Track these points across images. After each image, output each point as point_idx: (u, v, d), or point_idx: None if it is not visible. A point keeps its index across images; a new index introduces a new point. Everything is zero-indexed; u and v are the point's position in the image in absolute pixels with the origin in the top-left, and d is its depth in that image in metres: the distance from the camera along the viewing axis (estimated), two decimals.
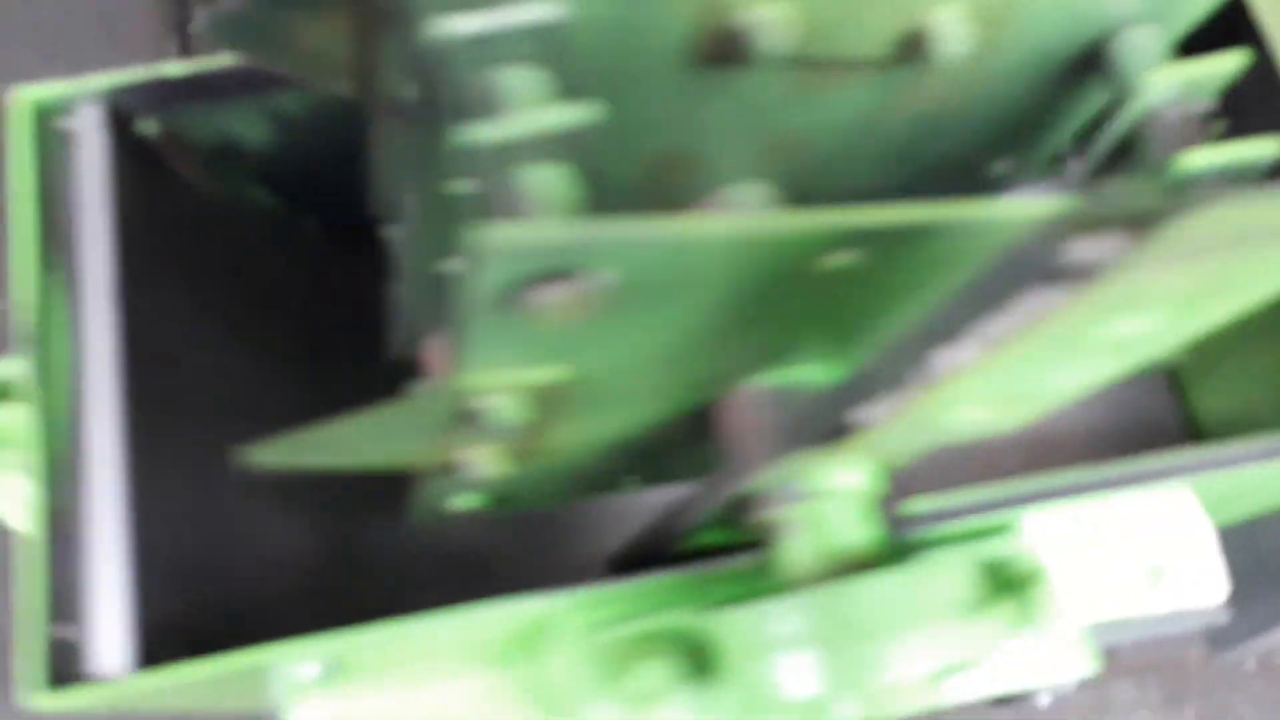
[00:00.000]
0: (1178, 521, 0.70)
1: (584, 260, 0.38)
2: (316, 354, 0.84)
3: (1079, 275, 0.30)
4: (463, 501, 0.69)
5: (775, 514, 0.58)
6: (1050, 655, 0.60)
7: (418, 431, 0.53)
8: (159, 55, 2.16)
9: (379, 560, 0.83)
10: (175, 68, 0.67)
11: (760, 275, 0.43)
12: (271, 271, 0.85)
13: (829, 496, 0.57)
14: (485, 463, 0.59)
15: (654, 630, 0.60)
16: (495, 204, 0.39)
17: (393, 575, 0.84)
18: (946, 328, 0.35)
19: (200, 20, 0.58)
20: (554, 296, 0.39)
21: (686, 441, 0.67)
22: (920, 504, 0.60)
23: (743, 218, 0.39)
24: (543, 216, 0.40)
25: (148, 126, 0.70)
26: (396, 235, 0.75)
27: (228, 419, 0.72)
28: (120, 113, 0.68)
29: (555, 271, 0.39)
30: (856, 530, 0.57)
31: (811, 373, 0.60)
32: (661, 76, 0.48)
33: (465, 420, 0.51)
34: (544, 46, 0.42)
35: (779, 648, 0.55)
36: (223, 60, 0.68)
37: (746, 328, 0.49)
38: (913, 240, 0.42)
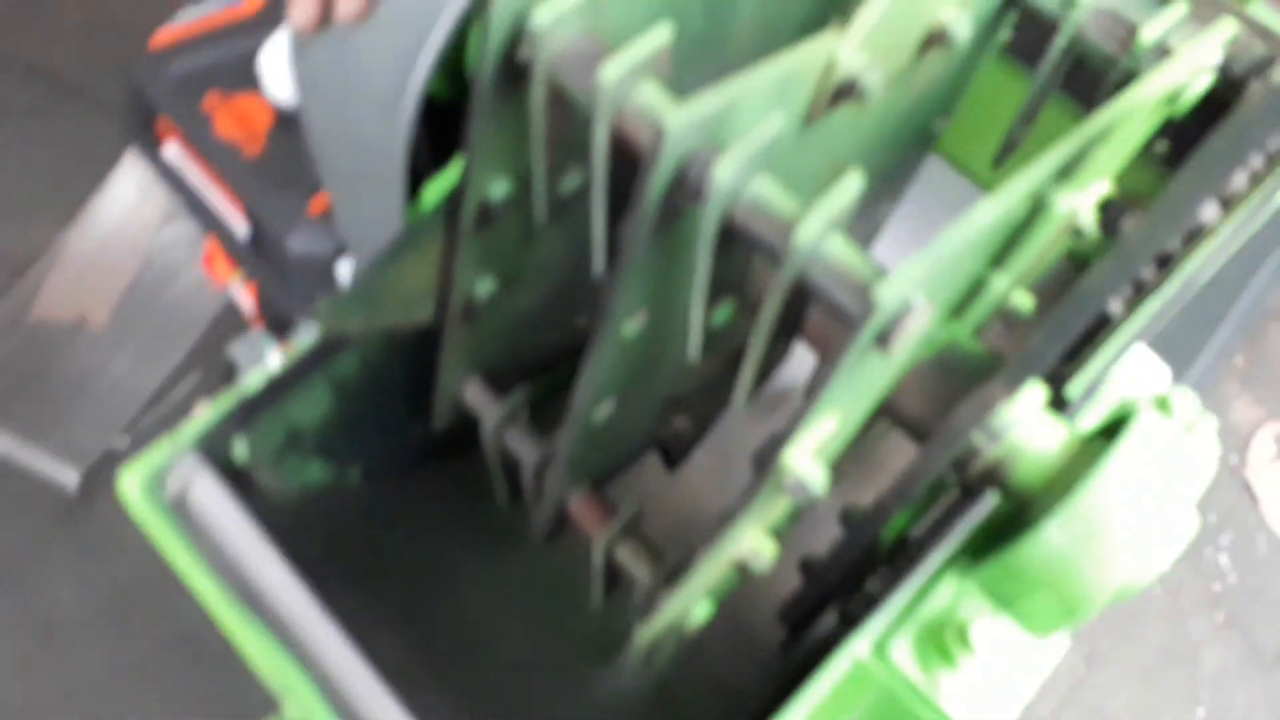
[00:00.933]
0: None
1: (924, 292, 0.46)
2: (427, 587, 0.84)
3: None
4: (701, 614, 0.72)
5: (989, 456, 0.66)
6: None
7: (756, 522, 0.56)
8: None
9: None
10: (255, 380, 0.66)
11: (995, 241, 0.52)
12: (354, 536, 0.84)
13: (1024, 418, 0.65)
14: (767, 549, 0.63)
15: (957, 599, 0.66)
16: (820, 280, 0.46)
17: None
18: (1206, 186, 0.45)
19: (318, 312, 0.59)
20: (917, 323, 0.45)
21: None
22: (1073, 388, 0.70)
23: (1005, 195, 0.47)
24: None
25: (239, 451, 0.68)
26: (489, 421, 0.77)
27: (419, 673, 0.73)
28: (215, 450, 0.66)
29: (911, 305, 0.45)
30: (1056, 432, 0.66)
31: (942, 333, 0.69)
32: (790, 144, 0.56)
33: (782, 495, 0.55)
34: (769, 157, 0.48)
35: (1070, 551, 0.63)
36: (295, 349, 0.68)
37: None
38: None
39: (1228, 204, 0.46)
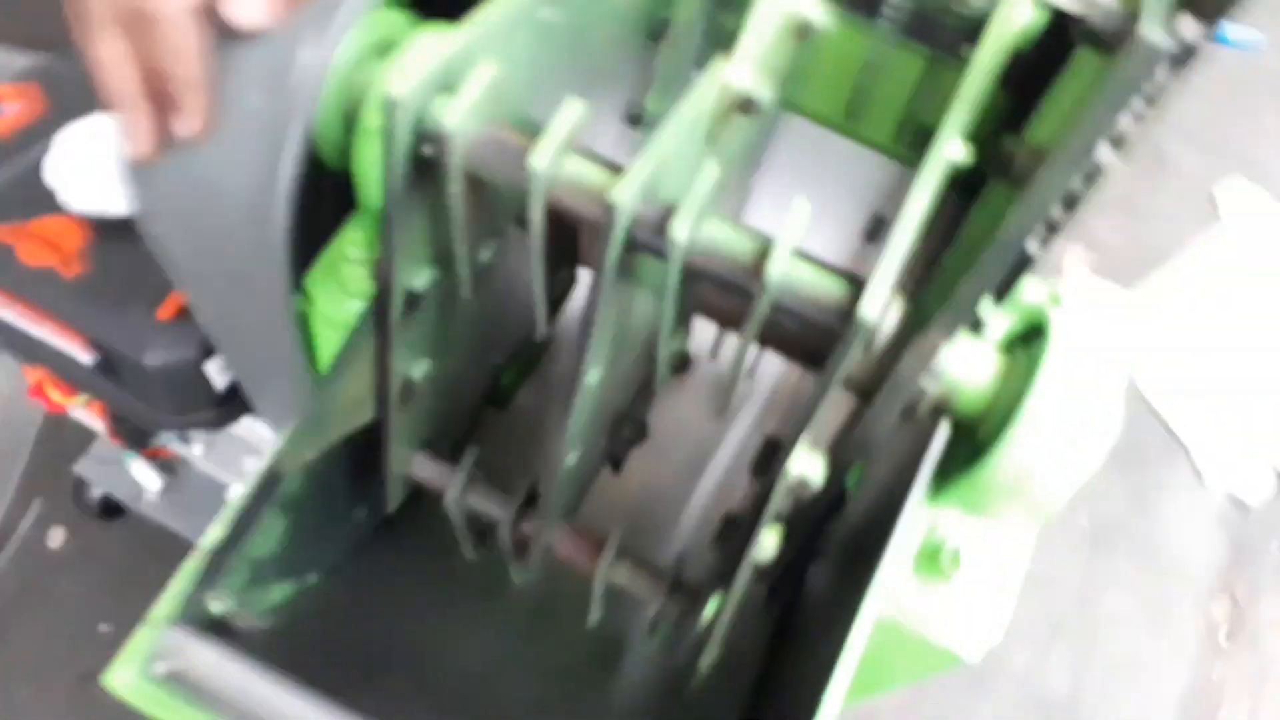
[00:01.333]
0: None
1: None
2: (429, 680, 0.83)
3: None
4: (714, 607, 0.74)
5: (934, 394, 0.70)
6: None
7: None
8: None
9: None
10: (213, 533, 0.63)
11: None
12: (332, 639, 0.81)
13: (957, 353, 0.70)
14: (769, 541, 0.65)
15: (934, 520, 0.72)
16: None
17: None
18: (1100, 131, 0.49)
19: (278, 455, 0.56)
20: (894, 320, 0.48)
21: None
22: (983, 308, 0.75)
23: (927, 183, 0.50)
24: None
25: (217, 607, 0.65)
26: (452, 491, 0.76)
27: None
28: (193, 617, 0.63)
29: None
30: (986, 356, 0.71)
31: None
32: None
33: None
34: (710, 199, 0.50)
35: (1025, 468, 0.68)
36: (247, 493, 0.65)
37: None
38: None
39: (1118, 143, 0.51)
